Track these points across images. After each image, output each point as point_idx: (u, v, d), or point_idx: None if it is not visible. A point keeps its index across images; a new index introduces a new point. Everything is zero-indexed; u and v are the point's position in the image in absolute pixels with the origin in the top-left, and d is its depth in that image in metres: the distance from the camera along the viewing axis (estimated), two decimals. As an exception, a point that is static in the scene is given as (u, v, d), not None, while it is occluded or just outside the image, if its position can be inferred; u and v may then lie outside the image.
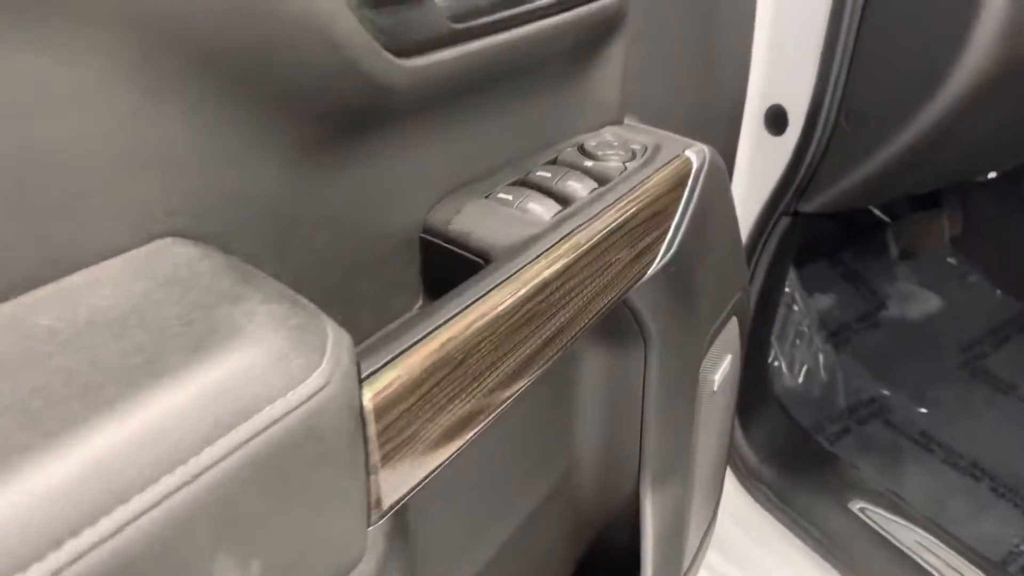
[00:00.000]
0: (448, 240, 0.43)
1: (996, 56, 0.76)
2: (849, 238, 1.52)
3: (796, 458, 1.09)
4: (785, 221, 0.99)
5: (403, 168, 0.41)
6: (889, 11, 0.83)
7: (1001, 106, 0.87)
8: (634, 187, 0.48)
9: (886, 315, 1.46)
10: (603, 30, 0.52)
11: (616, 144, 0.53)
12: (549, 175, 0.48)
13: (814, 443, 1.14)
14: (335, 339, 0.28)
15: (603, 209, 0.45)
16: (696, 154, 0.55)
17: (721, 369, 0.68)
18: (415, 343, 0.33)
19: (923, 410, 1.30)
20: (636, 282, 0.50)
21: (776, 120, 0.95)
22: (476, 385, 0.37)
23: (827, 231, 1.49)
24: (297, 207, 0.35)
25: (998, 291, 1.53)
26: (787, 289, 1.28)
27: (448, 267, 0.43)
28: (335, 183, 0.37)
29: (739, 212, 0.99)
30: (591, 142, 0.53)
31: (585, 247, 0.43)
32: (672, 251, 0.53)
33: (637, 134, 0.56)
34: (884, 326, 1.45)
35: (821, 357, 1.31)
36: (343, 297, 0.40)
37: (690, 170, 0.54)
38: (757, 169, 0.98)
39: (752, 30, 0.90)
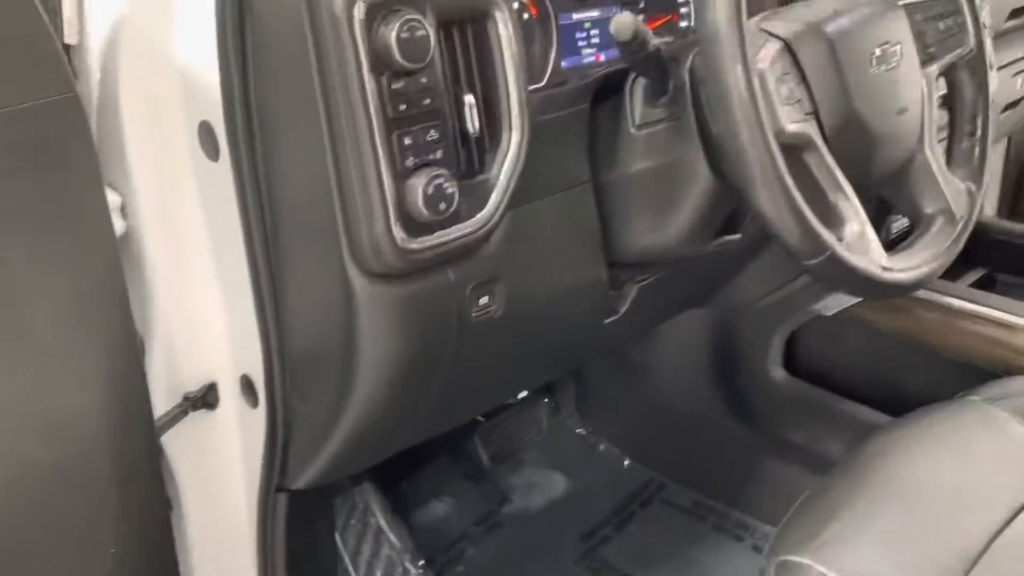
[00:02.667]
0: None
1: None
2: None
3: None
4: (282, 498, 0.88)
5: None
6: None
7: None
8: None
9: (508, 511, 1.39)
10: None
11: None
12: None
13: None
14: None
15: None
16: None
17: None
18: None
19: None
20: None
21: (249, 391, 0.85)
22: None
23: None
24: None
25: (626, 460, 1.51)
26: (372, 519, 1.17)
27: None
28: None
29: (242, 490, 0.87)
30: None
31: None
32: None
33: None
34: (506, 524, 1.37)
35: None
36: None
37: None
38: (247, 443, 0.87)
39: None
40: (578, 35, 0.95)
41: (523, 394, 1.45)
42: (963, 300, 1.12)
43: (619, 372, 1.51)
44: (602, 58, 0.97)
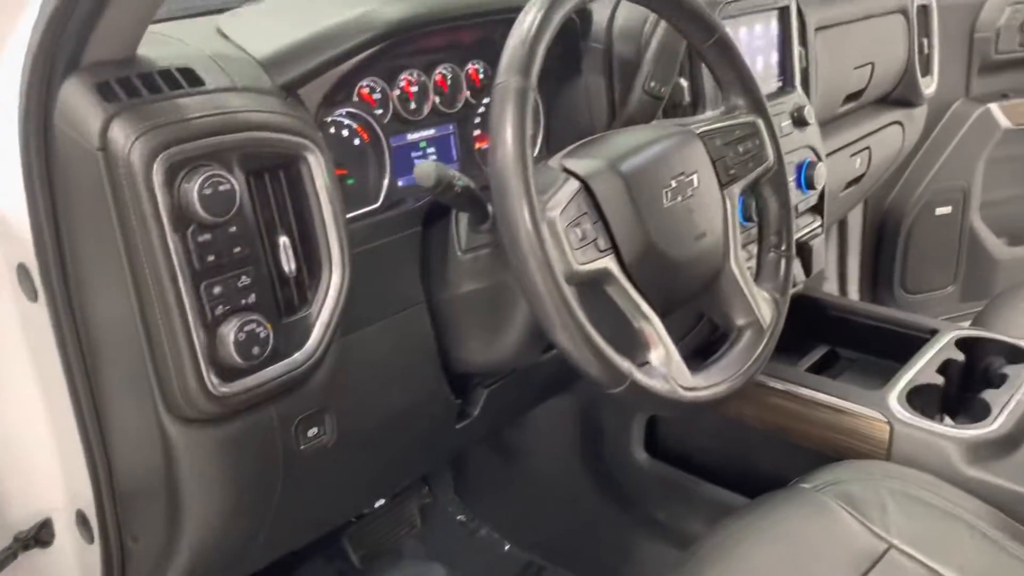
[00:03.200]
0: None
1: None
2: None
3: None
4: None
5: None
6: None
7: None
8: None
9: (385, 614, 1.38)
10: None
11: None
12: None
13: None
14: None
15: None
16: None
17: None
18: None
19: None
20: None
21: (85, 526, 0.84)
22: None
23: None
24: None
25: (506, 544, 1.51)
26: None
27: None
28: None
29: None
30: None
31: None
32: None
33: None
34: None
35: None
36: None
37: None
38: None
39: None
40: (414, 154, 0.98)
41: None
42: (800, 386, 1.18)
43: (496, 456, 1.52)
44: (441, 173, 1.01)
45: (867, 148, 1.64)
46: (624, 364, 0.72)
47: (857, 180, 1.66)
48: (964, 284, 2.22)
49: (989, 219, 2.21)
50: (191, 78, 0.71)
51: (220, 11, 1.04)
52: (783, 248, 0.94)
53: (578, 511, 1.45)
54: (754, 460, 1.25)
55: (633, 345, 0.77)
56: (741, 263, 0.88)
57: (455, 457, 1.47)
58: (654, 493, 1.35)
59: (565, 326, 0.69)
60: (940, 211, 2.15)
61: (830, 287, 2.20)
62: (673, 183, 0.81)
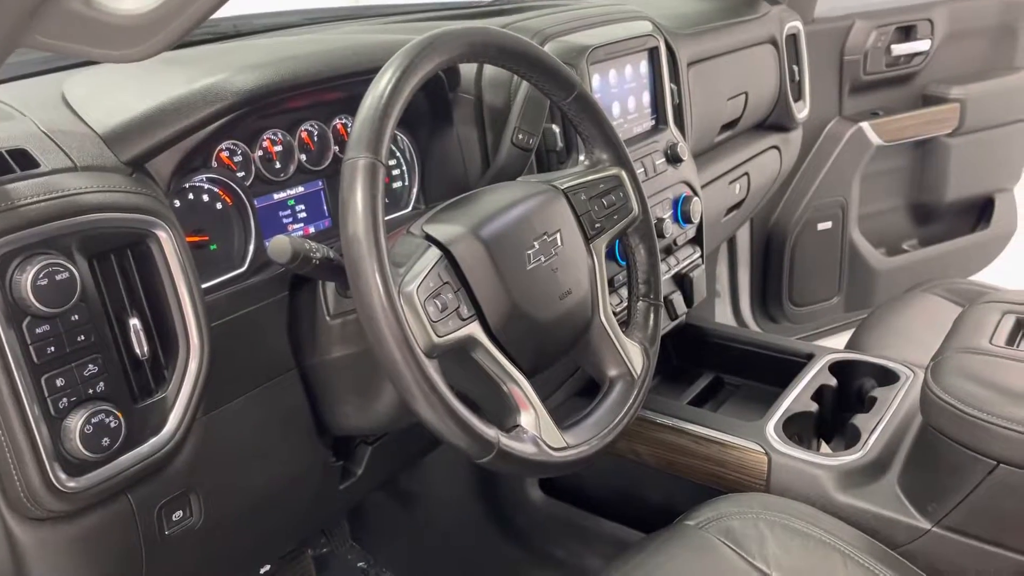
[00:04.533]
0: None
1: None
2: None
3: None
4: None
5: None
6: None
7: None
8: None
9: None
10: None
11: None
12: None
13: None
14: None
15: None
16: None
17: None
18: None
19: None
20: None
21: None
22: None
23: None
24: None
25: (409, 590, 1.50)
26: None
27: None
28: None
29: None
30: None
31: None
32: None
33: None
34: None
35: None
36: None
37: None
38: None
39: None
40: (282, 213, 0.96)
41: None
42: (684, 420, 1.20)
43: (394, 501, 1.51)
44: (311, 230, 0.99)
45: (746, 174, 1.69)
46: (490, 432, 0.72)
47: (737, 205, 1.71)
48: (848, 294, 2.31)
49: (867, 232, 2.30)
50: (25, 160, 0.68)
51: (69, 67, 1.00)
52: (651, 296, 0.96)
53: (478, 552, 1.45)
54: (646, 495, 1.27)
55: (503, 408, 0.77)
56: (610, 315, 0.89)
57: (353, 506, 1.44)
58: (551, 531, 1.36)
59: (427, 400, 0.68)
60: (821, 226, 2.23)
61: (723, 305, 2.26)
62: (536, 244, 0.82)
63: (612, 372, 0.89)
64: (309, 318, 0.87)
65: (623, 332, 0.91)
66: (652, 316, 0.95)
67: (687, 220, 1.32)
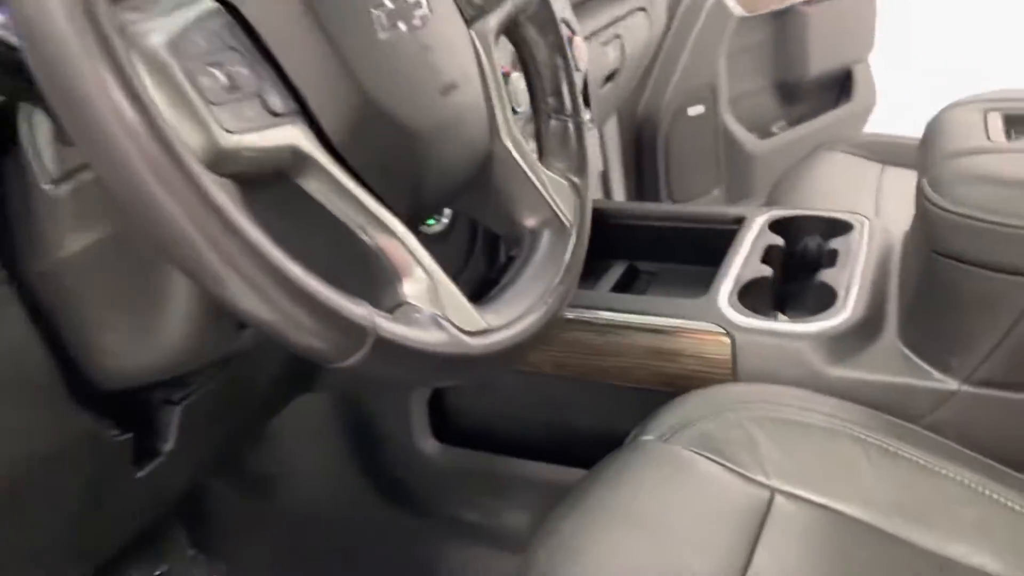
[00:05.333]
0: None
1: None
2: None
3: None
4: None
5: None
6: None
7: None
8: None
9: None
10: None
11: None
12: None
13: None
14: None
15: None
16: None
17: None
18: None
19: None
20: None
21: None
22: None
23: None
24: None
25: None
26: None
27: None
28: None
29: None
30: None
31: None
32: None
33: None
34: None
35: None
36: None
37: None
38: None
39: None
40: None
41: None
42: (609, 311, 0.92)
43: (244, 490, 1.15)
44: None
45: (618, 36, 1.44)
46: (359, 311, 0.40)
47: (613, 76, 1.46)
48: (729, 185, 2.14)
49: (739, 114, 2.14)
50: None
51: None
52: (568, 110, 0.65)
53: (365, 530, 1.12)
54: (577, 419, 0.98)
55: (371, 280, 0.45)
56: (517, 137, 0.58)
57: (180, 504, 1.07)
58: (457, 489, 1.05)
59: (223, 253, 0.35)
60: (692, 111, 2.04)
61: (596, 205, 2.02)
62: (388, 2, 0.49)
63: (531, 221, 0.59)
64: (18, 194, 0.51)
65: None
66: (576, 136, 0.65)
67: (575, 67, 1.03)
